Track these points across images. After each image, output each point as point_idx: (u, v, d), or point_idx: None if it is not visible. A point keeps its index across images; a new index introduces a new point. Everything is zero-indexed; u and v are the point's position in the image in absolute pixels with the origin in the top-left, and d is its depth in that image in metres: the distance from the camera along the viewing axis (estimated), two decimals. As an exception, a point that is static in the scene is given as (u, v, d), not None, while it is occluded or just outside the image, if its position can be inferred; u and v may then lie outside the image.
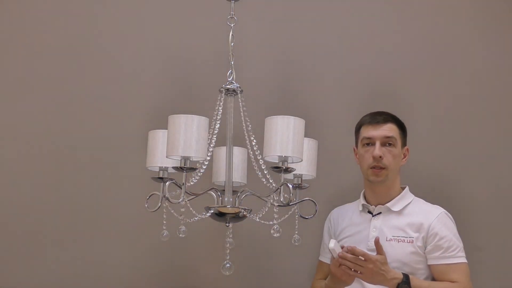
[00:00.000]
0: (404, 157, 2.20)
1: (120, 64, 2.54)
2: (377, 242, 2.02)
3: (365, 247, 2.10)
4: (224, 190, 1.88)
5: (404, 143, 2.19)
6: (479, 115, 2.59)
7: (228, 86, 1.91)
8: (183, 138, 1.71)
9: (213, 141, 1.82)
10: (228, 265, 1.80)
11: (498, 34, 2.63)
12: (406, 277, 2.01)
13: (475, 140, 2.57)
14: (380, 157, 2.11)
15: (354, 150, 2.24)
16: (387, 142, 2.13)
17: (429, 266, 2.09)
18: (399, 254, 2.08)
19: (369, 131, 2.15)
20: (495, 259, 2.49)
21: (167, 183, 1.81)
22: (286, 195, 1.82)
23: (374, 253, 2.03)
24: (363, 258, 1.97)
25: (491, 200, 2.54)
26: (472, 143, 2.57)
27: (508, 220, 2.53)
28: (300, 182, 1.95)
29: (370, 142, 2.15)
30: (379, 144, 2.12)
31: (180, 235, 1.90)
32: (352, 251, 1.98)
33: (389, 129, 2.14)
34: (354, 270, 1.98)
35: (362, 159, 2.17)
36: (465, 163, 2.56)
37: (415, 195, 2.22)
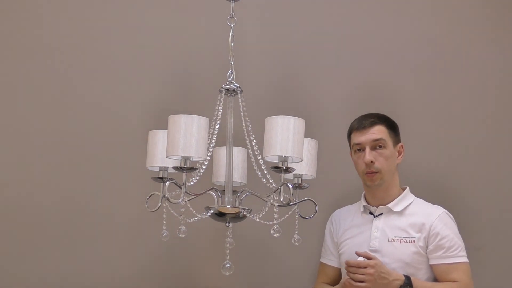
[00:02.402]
0: (399, 154, 2.19)
1: (120, 64, 2.53)
2: (358, 254, 2.04)
3: (367, 248, 2.11)
4: (224, 190, 1.88)
5: (397, 141, 2.19)
6: (479, 115, 2.59)
7: (228, 86, 1.91)
8: (183, 138, 1.71)
9: (213, 141, 1.82)
10: (228, 265, 1.80)
11: (497, 33, 2.63)
12: (407, 278, 2.02)
13: (475, 140, 2.57)
14: (372, 162, 2.11)
15: (351, 155, 2.25)
16: (376, 145, 2.13)
17: (431, 266, 2.10)
18: (402, 255, 2.08)
19: (357, 137, 2.16)
20: (495, 259, 2.49)
21: (167, 183, 1.81)
22: (286, 195, 1.82)
23: (377, 254, 2.07)
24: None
25: (491, 200, 2.54)
26: (472, 143, 2.57)
27: (508, 220, 2.53)
28: (300, 182, 1.95)
29: (360, 148, 2.15)
30: (368, 149, 2.12)
31: (180, 235, 1.90)
32: (347, 264, 2.02)
33: (377, 132, 2.13)
34: (359, 281, 1.99)
35: (356, 165, 2.19)
36: (465, 163, 2.56)
37: (416, 195, 2.22)
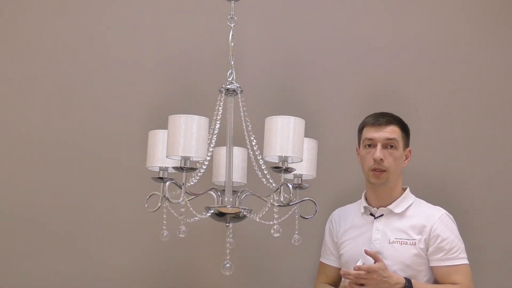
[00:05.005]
0: (406, 158, 2.19)
1: (120, 64, 2.53)
2: (367, 253, 2.03)
3: (368, 249, 2.10)
4: (224, 190, 1.88)
5: (406, 145, 2.18)
6: (479, 116, 2.58)
7: (228, 86, 1.91)
8: (183, 138, 1.71)
9: (213, 141, 1.82)
10: (228, 265, 1.80)
11: (501, 34, 2.62)
12: (408, 281, 2.02)
13: (475, 140, 2.56)
14: (381, 159, 2.10)
15: (357, 149, 2.24)
16: (388, 144, 2.12)
17: (431, 268, 2.09)
18: (403, 257, 2.08)
19: (371, 133, 2.14)
20: (495, 259, 2.49)
21: (167, 183, 1.81)
22: (286, 195, 1.83)
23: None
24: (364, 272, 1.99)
25: (491, 200, 2.53)
26: (472, 143, 2.56)
27: (508, 220, 2.53)
28: (300, 182, 1.95)
29: (371, 144, 2.14)
30: (380, 146, 2.11)
31: (180, 235, 1.90)
32: (360, 269, 1.99)
33: (391, 131, 2.13)
34: (361, 284, 1.99)
35: (363, 161, 2.16)
36: (466, 163, 2.55)
37: (416, 196, 2.21)
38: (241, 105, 1.90)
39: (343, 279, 2.16)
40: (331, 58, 2.61)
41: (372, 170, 2.12)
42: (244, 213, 1.83)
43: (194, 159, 1.76)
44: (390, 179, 2.13)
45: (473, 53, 2.61)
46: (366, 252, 2.03)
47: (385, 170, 2.11)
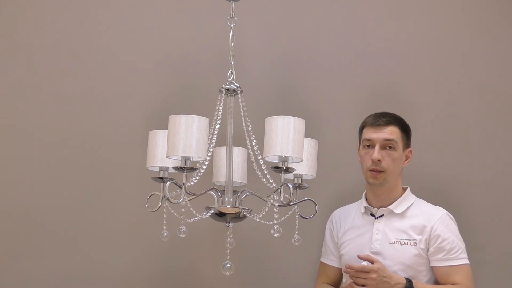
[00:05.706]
0: (407, 159, 2.18)
1: (120, 64, 2.53)
2: (360, 257, 2.03)
3: (368, 249, 2.11)
4: (224, 190, 1.88)
5: (407, 145, 2.18)
6: (480, 116, 2.58)
7: (228, 86, 1.91)
8: (183, 138, 1.71)
9: (213, 141, 1.83)
10: (228, 265, 1.80)
11: (501, 34, 2.62)
12: (409, 282, 2.02)
13: (475, 140, 2.57)
14: (379, 160, 2.10)
15: (358, 149, 2.24)
16: (387, 145, 2.12)
17: (432, 268, 2.10)
18: (403, 257, 2.08)
19: (370, 133, 2.14)
20: (495, 259, 2.49)
21: (167, 183, 1.81)
22: (286, 195, 1.83)
23: (378, 256, 2.06)
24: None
25: (491, 200, 2.54)
26: (472, 143, 2.57)
27: (508, 220, 2.53)
28: (300, 182, 1.95)
29: (370, 144, 2.14)
30: (378, 147, 2.11)
31: (180, 235, 1.90)
32: (351, 267, 2.01)
33: (390, 132, 2.13)
34: (362, 285, 2.00)
35: (362, 161, 2.17)
36: (466, 163, 2.55)
37: (416, 196, 2.21)
38: (241, 105, 1.90)
39: (343, 279, 2.16)
40: (331, 58, 2.61)
41: (370, 171, 2.12)
42: (244, 213, 1.83)
43: (194, 159, 1.76)
44: (388, 180, 2.13)
45: (473, 53, 2.61)
46: (359, 257, 2.04)
47: (382, 171, 2.11)
